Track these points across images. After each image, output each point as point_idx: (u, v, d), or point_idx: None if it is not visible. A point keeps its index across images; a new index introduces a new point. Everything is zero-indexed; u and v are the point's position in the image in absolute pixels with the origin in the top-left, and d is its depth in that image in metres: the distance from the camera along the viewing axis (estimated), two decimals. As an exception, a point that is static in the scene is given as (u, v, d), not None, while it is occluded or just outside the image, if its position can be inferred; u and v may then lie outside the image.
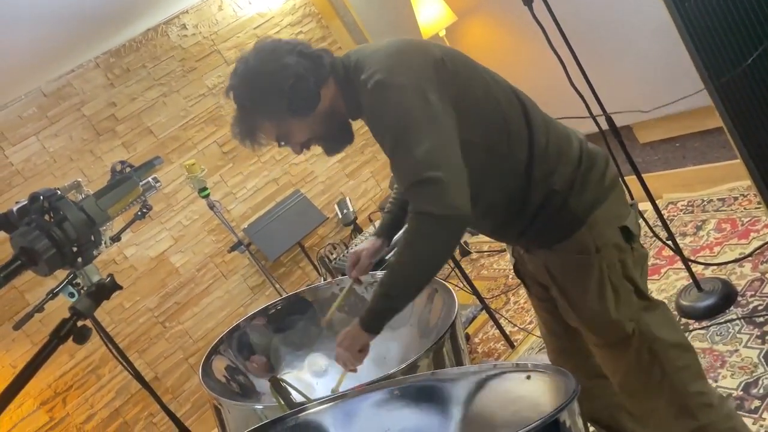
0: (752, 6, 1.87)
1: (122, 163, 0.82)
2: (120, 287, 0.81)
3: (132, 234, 3.85)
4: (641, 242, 1.48)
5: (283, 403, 1.18)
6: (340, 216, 4.13)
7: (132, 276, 3.86)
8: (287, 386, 1.20)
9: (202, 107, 4.17)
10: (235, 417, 1.51)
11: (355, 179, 4.64)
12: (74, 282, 1.84)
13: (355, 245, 2.13)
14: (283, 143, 1.45)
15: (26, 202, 0.87)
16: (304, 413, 1.15)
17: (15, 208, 0.90)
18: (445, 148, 1.25)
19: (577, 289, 1.41)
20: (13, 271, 0.74)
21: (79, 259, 0.78)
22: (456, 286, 3.42)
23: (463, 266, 3.42)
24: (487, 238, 3.82)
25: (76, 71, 3.80)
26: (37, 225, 0.77)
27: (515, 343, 2.90)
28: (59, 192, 0.78)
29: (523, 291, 3.13)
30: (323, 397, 1.22)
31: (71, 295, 1.81)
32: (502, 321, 3.02)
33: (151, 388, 2.12)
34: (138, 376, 2.06)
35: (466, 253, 4.18)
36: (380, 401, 1.19)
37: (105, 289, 0.80)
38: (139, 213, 1.89)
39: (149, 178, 1.10)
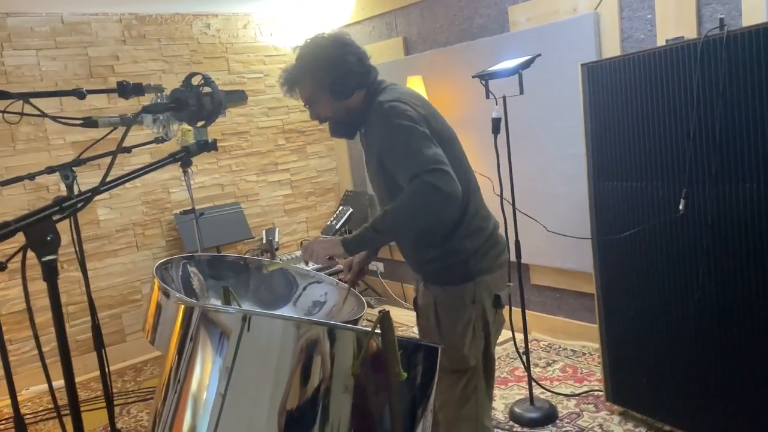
0: (651, 190, 2.51)
1: (203, 76, 1.19)
2: (216, 148, 1.17)
3: (77, 172, 4.02)
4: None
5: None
6: (264, 241, 4.47)
7: (56, 209, 3.99)
8: (234, 299, 1.56)
9: (190, 97, 4.52)
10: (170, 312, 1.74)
11: (290, 217, 5.04)
12: (72, 169, 2.14)
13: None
14: (308, 105, 1.83)
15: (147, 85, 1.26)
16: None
17: (144, 83, 1.28)
18: (443, 154, 1.63)
19: (449, 323, 1.86)
20: (168, 108, 1.10)
21: (201, 122, 1.14)
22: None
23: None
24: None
25: (99, 16, 4.12)
26: (194, 90, 1.14)
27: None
28: (208, 77, 1.16)
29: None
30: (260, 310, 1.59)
31: (66, 177, 2.11)
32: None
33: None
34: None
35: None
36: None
37: (208, 145, 1.16)
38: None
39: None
